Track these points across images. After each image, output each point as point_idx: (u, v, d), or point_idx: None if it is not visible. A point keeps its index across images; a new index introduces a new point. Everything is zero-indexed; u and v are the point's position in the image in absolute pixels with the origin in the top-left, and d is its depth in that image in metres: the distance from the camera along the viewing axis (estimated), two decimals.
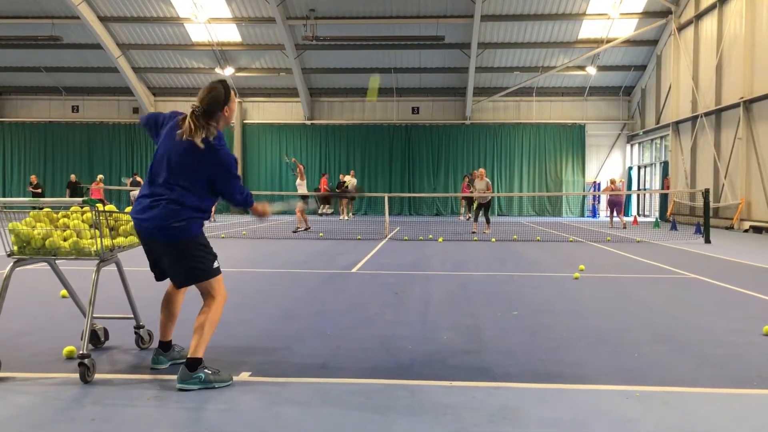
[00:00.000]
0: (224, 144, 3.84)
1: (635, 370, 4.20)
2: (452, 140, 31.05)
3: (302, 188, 18.80)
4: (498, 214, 30.15)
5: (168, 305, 4.17)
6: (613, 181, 22.94)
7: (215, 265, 3.92)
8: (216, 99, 3.80)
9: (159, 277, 4.09)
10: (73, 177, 26.84)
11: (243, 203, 3.96)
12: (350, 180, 27.08)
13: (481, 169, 18.16)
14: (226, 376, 3.83)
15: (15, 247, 4.15)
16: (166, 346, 4.21)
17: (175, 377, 3.87)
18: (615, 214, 21.52)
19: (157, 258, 3.96)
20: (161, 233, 3.76)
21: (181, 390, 3.69)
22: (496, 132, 31.01)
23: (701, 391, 3.78)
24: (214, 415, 3.35)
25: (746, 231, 19.07)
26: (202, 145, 3.72)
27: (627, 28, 26.74)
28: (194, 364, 3.73)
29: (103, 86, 31.71)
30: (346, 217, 26.46)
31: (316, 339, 5.04)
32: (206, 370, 3.75)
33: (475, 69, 28.07)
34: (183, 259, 3.82)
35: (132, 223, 4.21)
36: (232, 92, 3.93)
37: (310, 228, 17.81)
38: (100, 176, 24.66)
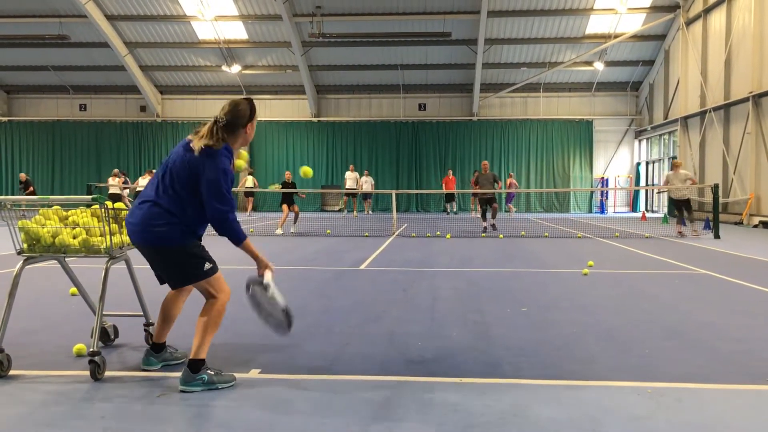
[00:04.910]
0: (225, 156, 3.72)
1: (646, 366, 4.17)
2: (459, 137, 30.97)
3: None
4: (504, 211, 30.08)
5: (166, 308, 4.11)
6: (510, 175, 27.12)
7: (207, 267, 3.78)
8: (241, 114, 3.78)
9: (161, 281, 4.01)
10: (23, 176, 25.12)
11: (221, 221, 3.67)
12: (363, 178, 27.03)
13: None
14: (228, 376, 3.78)
15: (25, 245, 4.15)
16: (158, 347, 4.15)
17: None
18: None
19: (150, 261, 3.90)
20: (143, 236, 3.72)
21: (183, 392, 3.64)
22: (503, 128, 30.92)
23: (713, 387, 3.76)
24: (224, 411, 3.35)
25: (756, 226, 18.95)
26: (203, 144, 3.65)
27: (635, 23, 26.58)
28: (196, 365, 3.67)
29: (111, 84, 31.77)
30: (354, 215, 26.42)
31: (325, 336, 5.04)
32: (209, 371, 3.70)
33: (482, 65, 27.99)
34: (167, 263, 3.79)
35: None
36: (256, 113, 3.87)
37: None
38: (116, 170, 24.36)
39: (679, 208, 15.59)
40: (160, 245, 3.72)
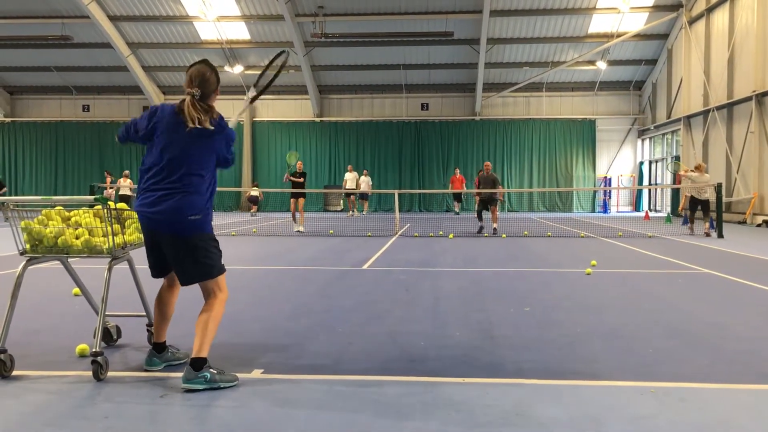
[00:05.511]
0: (224, 119, 4.00)
1: (649, 366, 4.16)
2: (462, 136, 30.96)
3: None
4: (508, 210, 30.02)
5: (161, 305, 4.12)
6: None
7: (222, 261, 3.93)
8: (210, 83, 3.94)
9: (157, 274, 4.04)
10: None
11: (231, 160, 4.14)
12: (362, 178, 27.01)
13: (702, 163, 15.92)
14: (231, 376, 3.78)
15: (27, 246, 4.15)
16: (160, 347, 4.14)
17: None
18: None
19: (161, 253, 3.90)
20: (175, 226, 3.74)
21: (186, 390, 3.64)
22: (506, 128, 30.90)
23: (716, 387, 3.75)
24: (227, 412, 3.34)
25: (759, 225, 18.91)
26: (212, 127, 3.84)
27: (637, 22, 26.54)
28: (199, 363, 3.66)
29: (113, 85, 31.84)
30: (355, 214, 26.41)
31: (328, 335, 5.03)
32: (211, 370, 3.69)
33: (485, 65, 27.97)
34: (193, 254, 3.78)
35: None
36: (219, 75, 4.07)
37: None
38: (126, 172, 24.24)
39: (695, 207, 15.74)
40: (191, 234, 3.77)
